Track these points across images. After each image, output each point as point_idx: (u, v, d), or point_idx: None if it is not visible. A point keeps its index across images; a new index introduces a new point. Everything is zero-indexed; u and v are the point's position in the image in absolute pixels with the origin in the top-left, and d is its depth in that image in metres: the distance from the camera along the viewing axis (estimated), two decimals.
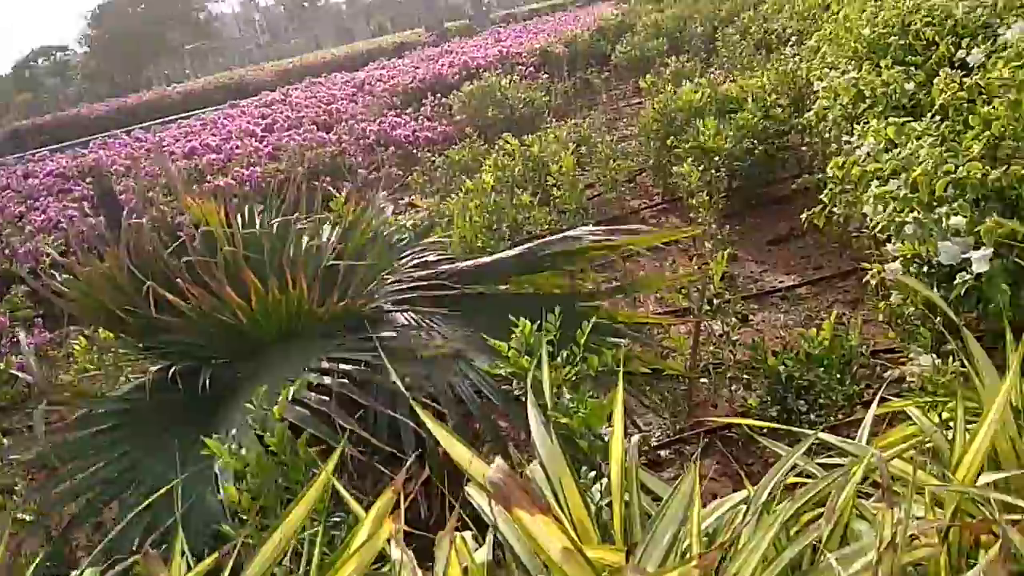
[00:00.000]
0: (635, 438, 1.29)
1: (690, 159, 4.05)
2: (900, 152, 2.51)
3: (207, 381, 2.16)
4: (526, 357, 1.72)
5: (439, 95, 9.00)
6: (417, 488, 2.06)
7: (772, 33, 7.72)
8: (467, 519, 1.43)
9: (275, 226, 2.46)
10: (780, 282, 3.66)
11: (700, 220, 3.28)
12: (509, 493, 0.99)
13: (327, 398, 1.90)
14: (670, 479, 2.39)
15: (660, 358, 2.92)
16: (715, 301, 2.63)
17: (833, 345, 2.16)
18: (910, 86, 3.41)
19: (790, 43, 6.48)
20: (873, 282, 2.51)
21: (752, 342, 2.42)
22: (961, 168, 2.19)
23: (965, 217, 2.00)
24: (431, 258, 2.78)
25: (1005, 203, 2.14)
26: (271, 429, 1.48)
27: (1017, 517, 1.17)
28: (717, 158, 4.15)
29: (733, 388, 2.69)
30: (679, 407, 2.68)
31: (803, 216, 3.35)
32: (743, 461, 2.39)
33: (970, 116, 2.50)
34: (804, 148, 4.74)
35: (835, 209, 3.32)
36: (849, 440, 1.41)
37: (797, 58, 5.52)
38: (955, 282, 1.96)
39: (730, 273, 3.87)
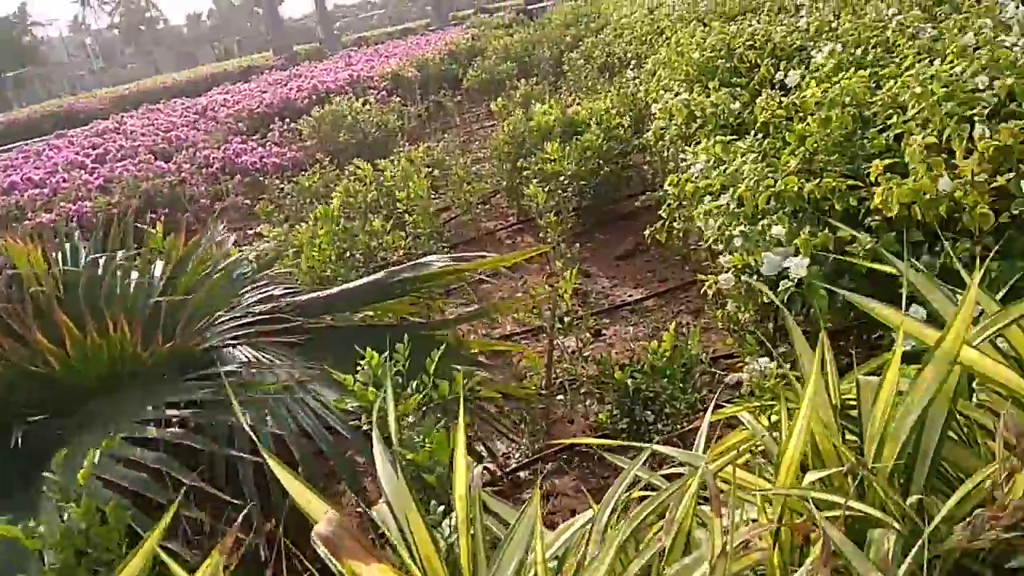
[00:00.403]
0: (478, 469, 1.27)
1: (538, 180, 4.12)
2: (727, 168, 2.66)
3: (19, 441, 1.95)
4: (373, 390, 1.66)
5: (288, 120, 8.74)
6: (263, 537, 1.95)
7: (615, 57, 8.06)
8: (314, 572, 1.35)
9: (95, 263, 2.27)
10: (629, 296, 3.78)
11: (549, 240, 3.34)
12: (340, 544, 0.93)
13: (157, 449, 1.75)
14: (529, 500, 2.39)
15: (517, 379, 2.93)
16: (566, 319, 2.67)
17: (674, 356, 2.24)
18: (736, 106, 3.64)
19: (631, 67, 6.79)
20: (711, 292, 2.64)
21: (601, 357, 2.47)
22: (780, 182, 2.34)
23: (784, 228, 2.13)
24: (276, 291, 2.66)
25: (820, 213, 2.30)
26: (79, 499, 1.34)
27: (838, 513, 1.24)
28: (563, 179, 4.24)
29: (588, 403, 2.73)
30: (537, 426, 2.69)
31: (647, 232, 3.49)
32: (600, 475, 2.43)
33: (787, 133, 2.68)
34: (646, 166, 4.96)
35: (675, 224, 3.48)
36: (686, 450, 1.45)
37: (637, 81, 5.79)
38: (779, 289, 2.09)
39: (583, 289, 3.97)
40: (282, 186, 5.77)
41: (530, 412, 2.69)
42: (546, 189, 4.10)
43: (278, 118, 8.99)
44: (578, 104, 5.34)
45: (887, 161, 2.11)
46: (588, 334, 3.45)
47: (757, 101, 3.38)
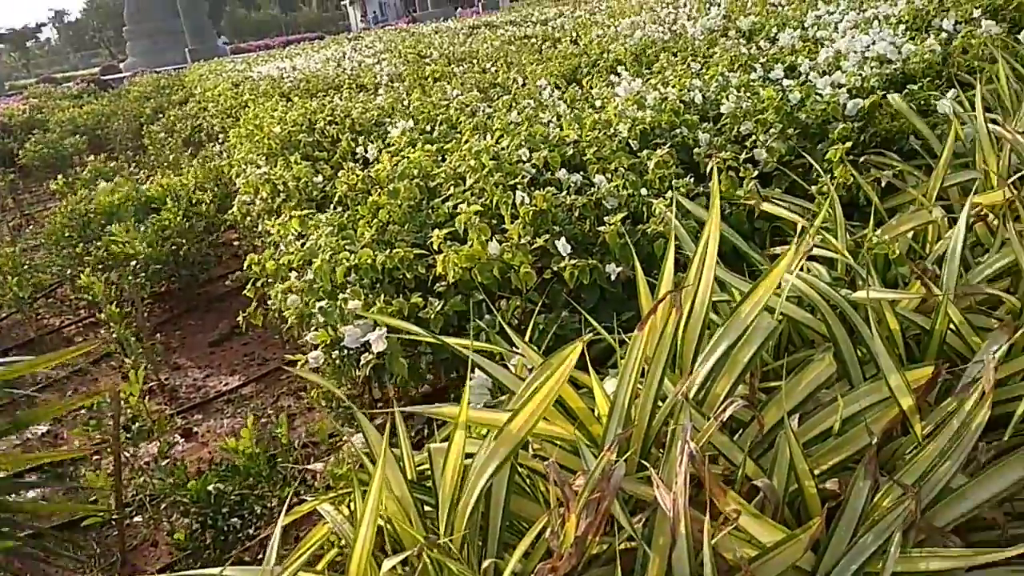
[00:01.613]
0: None
1: (105, 266, 3.62)
2: (306, 243, 2.57)
3: None
4: None
5: None
6: None
7: (201, 130, 7.65)
8: None
9: None
10: (225, 384, 3.47)
11: (117, 335, 2.91)
12: None
13: None
14: None
15: (86, 503, 2.45)
16: (135, 425, 2.30)
17: (259, 449, 2.05)
18: (318, 179, 3.61)
19: (219, 140, 6.48)
20: (304, 372, 2.51)
21: (175, 466, 2.16)
22: (356, 255, 2.32)
23: (360, 301, 2.10)
24: None
25: (396, 283, 2.33)
26: None
27: None
28: (136, 263, 3.80)
29: (173, 518, 2.38)
30: (113, 559, 2.26)
31: (240, 314, 3.24)
32: None
33: (361, 205, 2.70)
34: (237, 243, 4.70)
35: (270, 303, 3.30)
36: (255, 567, 1.27)
37: (224, 154, 5.52)
38: (362, 362, 2.04)
39: (171, 384, 3.55)
40: None
41: (100, 542, 2.26)
42: (117, 276, 3.62)
43: None
44: (153, 181, 4.88)
45: (447, 230, 2.21)
46: (177, 435, 3.08)
47: (339, 174, 3.40)
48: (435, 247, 2.17)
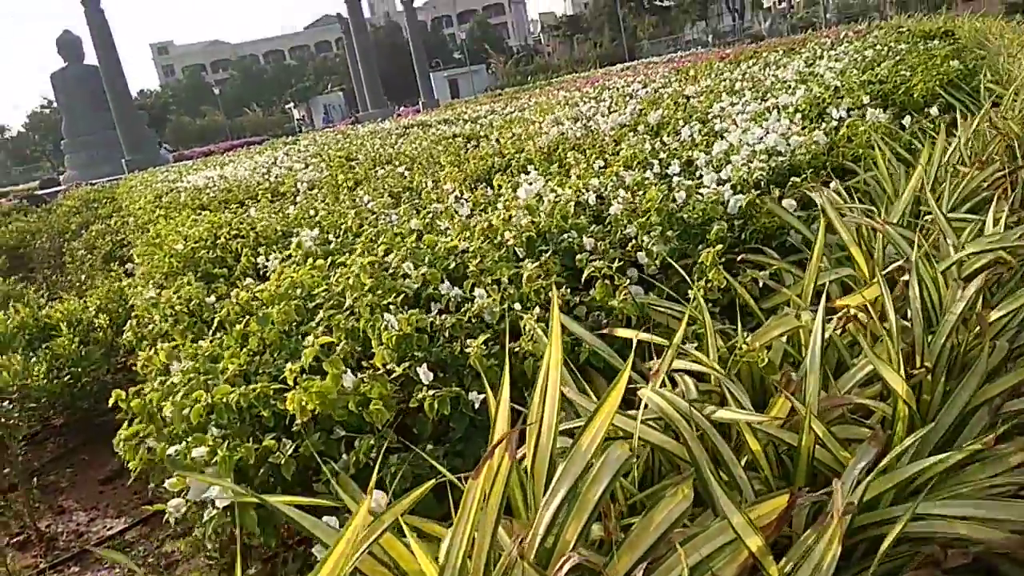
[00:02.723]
0: None
1: None
2: (166, 380, 2.41)
3: None
4: None
5: None
6: None
7: (121, 245, 7.48)
8: None
9: None
10: (109, 529, 3.21)
11: None
12: None
13: None
14: None
15: None
16: None
17: None
18: (211, 299, 3.46)
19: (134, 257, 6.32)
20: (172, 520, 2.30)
21: None
22: (212, 392, 2.16)
23: (206, 448, 1.93)
24: None
25: (260, 422, 2.16)
26: None
27: None
28: (9, 401, 3.56)
29: None
30: None
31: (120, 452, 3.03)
32: None
33: (226, 335, 2.56)
34: (139, 368, 4.48)
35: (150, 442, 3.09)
36: None
37: (135, 273, 5.36)
38: (204, 518, 1.86)
39: (51, 532, 3.27)
40: None
41: None
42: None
43: None
44: (51, 305, 4.68)
45: (299, 363, 2.07)
46: None
47: (232, 293, 3.26)
48: (290, 382, 2.03)
